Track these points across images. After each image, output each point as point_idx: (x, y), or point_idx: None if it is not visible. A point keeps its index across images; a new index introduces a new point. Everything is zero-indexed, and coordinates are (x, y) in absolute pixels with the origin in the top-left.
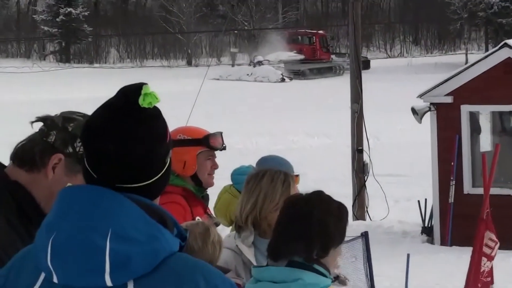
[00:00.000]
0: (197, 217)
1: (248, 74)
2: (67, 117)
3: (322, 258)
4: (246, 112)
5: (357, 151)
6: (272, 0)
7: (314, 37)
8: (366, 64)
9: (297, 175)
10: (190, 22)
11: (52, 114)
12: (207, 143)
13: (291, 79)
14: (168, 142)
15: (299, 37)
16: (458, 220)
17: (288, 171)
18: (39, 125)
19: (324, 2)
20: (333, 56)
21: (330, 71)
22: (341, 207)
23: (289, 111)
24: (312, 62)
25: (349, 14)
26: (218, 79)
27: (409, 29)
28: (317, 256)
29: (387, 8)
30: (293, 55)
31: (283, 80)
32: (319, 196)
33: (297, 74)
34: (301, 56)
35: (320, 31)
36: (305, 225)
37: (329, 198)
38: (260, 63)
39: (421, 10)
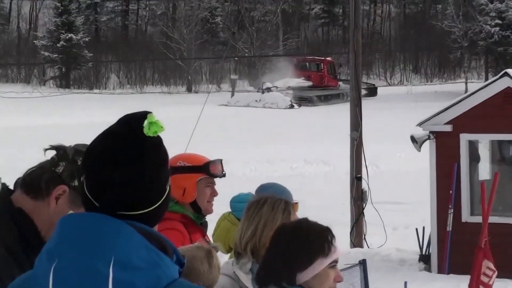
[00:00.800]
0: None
1: (256, 101)
2: (79, 150)
3: (302, 282)
4: (249, 138)
5: (356, 178)
6: (273, 27)
7: (322, 64)
8: (373, 91)
9: (296, 203)
10: (190, 49)
11: (51, 140)
12: (207, 171)
13: (299, 105)
14: (168, 169)
15: (307, 63)
16: (456, 248)
17: (288, 199)
18: (52, 153)
19: (325, 30)
20: (340, 83)
21: (338, 97)
22: (314, 233)
23: (292, 137)
24: (320, 89)
25: (350, 42)
26: (226, 105)
27: (409, 57)
28: (290, 282)
29: (387, 36)
30: (301, 82)
31: (292, 106)
32: (297, 224)
33: (305, 101)
34: (309, 83)
35: (328, 58)
36: (284, 252)
37: (306, 225)
38: (268, 89)
39: (421, 38)
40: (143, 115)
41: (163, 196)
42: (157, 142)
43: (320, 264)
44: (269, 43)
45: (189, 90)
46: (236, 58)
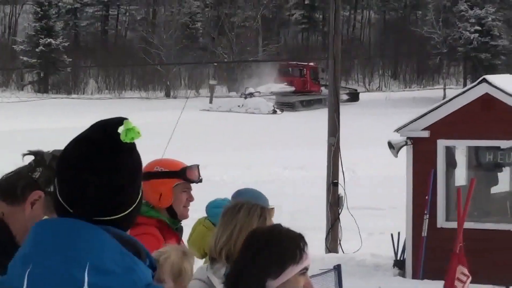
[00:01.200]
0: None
1: (239, 106)
2: (56, 155)
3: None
4: (228, 143)
5: (333, 184)
6: (253, 33)
7: (305, 69)
8: (355, 96)
9: (273, 208)
10: (170, 54)
11: (30, 145)
12: (184, 176)
13: (282, 110)
14: (141, 173)
15: (290, 69)
16: (431, 254)
17: (264, 205)
18: (30, 158)
19: (304, 36)
20: (323, 88)
21: (320, 103)
22: (284, 238)
23: (271, 143)
24: (303, 94)
25: (329, 48)
26: (208, 110)
27: (389, 64)
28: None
29: (367, 42)
30: (284, 87)
31: (274, 112)
32: (270, 229)
33: (288, 106)
34: (292, 88)
35: (311, 63)
36: (255, 258)
37: (278, 231)
38: (251, 94)
39: (401, 44)
40: (119, 121)
41: (137, 200)
42: (132, 148)
43: (291, 271)
44: (249, 49)
45: (167, 95)
46: (215, 64)
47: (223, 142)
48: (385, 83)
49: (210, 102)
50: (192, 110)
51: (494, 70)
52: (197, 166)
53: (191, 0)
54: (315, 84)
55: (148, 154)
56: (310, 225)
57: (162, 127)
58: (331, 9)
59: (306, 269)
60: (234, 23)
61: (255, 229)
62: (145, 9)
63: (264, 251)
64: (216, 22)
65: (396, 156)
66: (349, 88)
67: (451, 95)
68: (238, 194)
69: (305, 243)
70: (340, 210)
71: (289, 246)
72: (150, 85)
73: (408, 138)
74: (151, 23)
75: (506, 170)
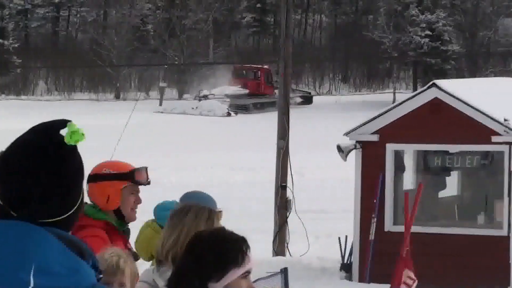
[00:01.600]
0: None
1: (193, 108)
2: None
3: None
4: (179, 146)
5: (281, 187)
6: (204, 36)
7: (259, 71)
8: (309, 99)
9: (221, 211)
10: (120, 56)
11: None
12: (132, 178)
13: (236, 113)
14: (83, 174)
15: (244, 71)
16: (378, 257)
17: (212, 207)
18: None
19: (255, 39)
20: (277, 91)
21: (274, 105)
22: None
23: (223, 145)
24: (257, 97)
25: (280, 51)
26: (162, 112)
27: (339, 67)
28: None
29: (318, 46)
30: (238, 90)
31: (228, 114)
32: (212, 232)
33: (242, 109)
34: (246, 91)
35: (265, 66)
36: (197, 260)
37: (221, 234)
38: (205, 97)
39: (351, 48)
40: (62, 123)
41: (78, 201)
42: (73, 149)
43: (233, 275)
44: (199, 51)
45: (117, 97)
46: (166, 66)
47: (175, 145)
48: (335, 87)
49: (160, 104)
50: (145, 112)
51: (444, 75)
52: (146, 168)
53: (143, 2)
54: (269, 87)
55: (97, 156)
56: (258, 228)
57: (113, 129)
58: (283, 12)
59: (248, 272)
60: (185, 26)
61: (198, 232)
62: (96, 11)
63: (206, 254)
64: (167, 24)
65: (345, 159)
66: (303, 91)
67: (400, 99)
68: (186, 196)
69: (247, 247)
70: (288, 213)
71: (231, 249)
72: (100, 87)
73: (357, 141)
74: (102, 25)
75: (454, 174)
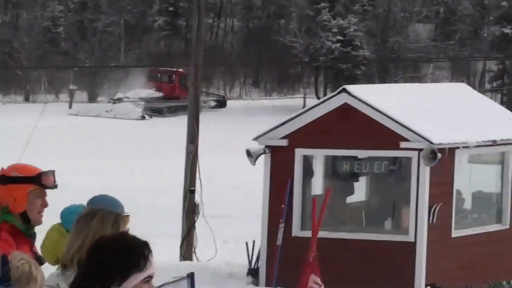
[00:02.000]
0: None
1: (107, 111)
2: None
3: None
4: (89, 149)
5: (189, 191)
6: (115, 39)
7: (174, 75)
8: (223, 103)
9: (128, 215)
10: (30, 58)
11: None
12: (39, 182)
13: (151, 116)
14: None
15: (159, 74)
16: (285, 263)
17: (120, 212)
18: None
19: (167, 42)
20: None
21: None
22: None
23: (133, 149)
24: (171, 100)
25: (192, 55)
26: (76, 115)
27: (250, 71)
28: None
29: (229, 50)
30: (152, 93)
31: (143, 117)
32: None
33: (156, 112)
34: (160, 94)
35: (180, 69)
36: (99, 265)
37: (123, 239)
38: (120, 100)
39: (263, 53)
40: None
41: None
42: None
43: (135, 279)
44: (110, 54)
45: (26, 99)
46: (76, 69)
47: (85, 148)
48: (245, 91)
49: (70, 107)
50: (57, 115)
51: (354, 80)
52: (53, 172)
53: (55, 4)
54: (184, 90)
55: (4, 158)
56: (166, 233)
57: (22, 131)
58: (195, 16)
59: (150, 277)
60: (96, 28)
61: (100, 237)
62: (8, 12)
63: (108, 259)
64: (78, 26)
65: (253, 164)
66: (217, 95)
67: (311, 104)
68: (93, 200)
69: (150, 251)
70: (196, 218)
71: (133, 254)
72: (11, 89)
73: (266, 146)
74: (13, 26)
75: (362, 179)
